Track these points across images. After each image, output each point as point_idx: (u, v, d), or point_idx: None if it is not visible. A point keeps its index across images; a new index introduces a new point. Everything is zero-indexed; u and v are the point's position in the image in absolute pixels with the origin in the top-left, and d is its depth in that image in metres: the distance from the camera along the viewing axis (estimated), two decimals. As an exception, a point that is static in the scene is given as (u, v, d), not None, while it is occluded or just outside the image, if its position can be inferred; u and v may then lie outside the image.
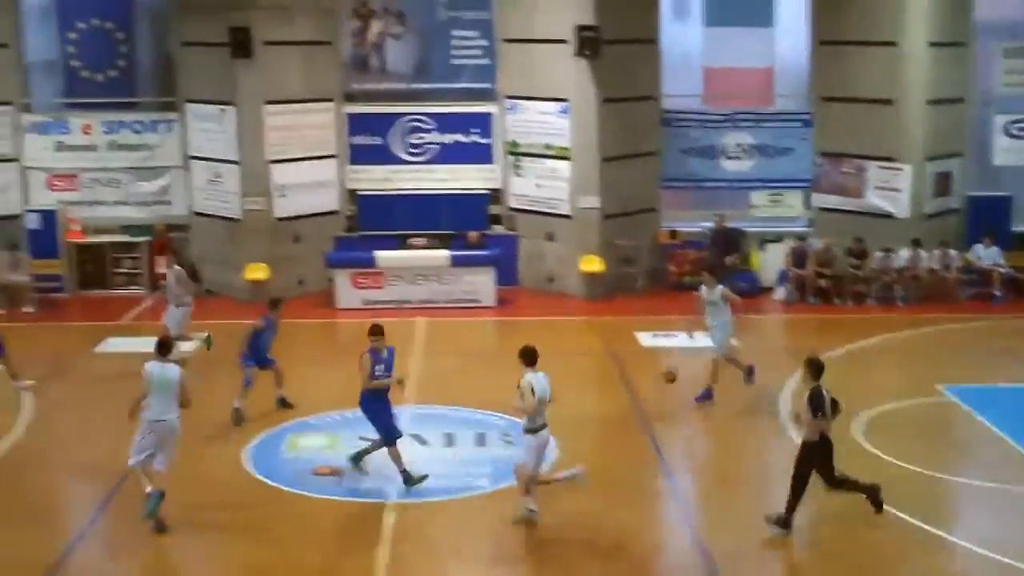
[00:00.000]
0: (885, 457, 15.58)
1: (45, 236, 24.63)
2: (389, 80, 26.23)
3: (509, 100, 25.31)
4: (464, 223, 25.05)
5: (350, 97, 25.88)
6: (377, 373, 14.79)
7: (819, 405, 13.14)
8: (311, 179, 25.12)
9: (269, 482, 15.05)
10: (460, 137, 25.82)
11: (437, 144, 25.79)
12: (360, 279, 23.79)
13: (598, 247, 24.44)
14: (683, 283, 24.71)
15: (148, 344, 19.83)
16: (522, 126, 25.15)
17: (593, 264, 24.25)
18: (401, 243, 24.59)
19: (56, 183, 25.55)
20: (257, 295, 23.63)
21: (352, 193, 25.70)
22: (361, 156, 25.74)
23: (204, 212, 25.22)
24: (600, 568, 12.88)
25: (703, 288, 17.95)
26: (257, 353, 17.36)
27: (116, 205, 25.69)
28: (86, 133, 25.64)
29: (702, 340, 18.28)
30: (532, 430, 13.60)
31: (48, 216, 24.75)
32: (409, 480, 14.76)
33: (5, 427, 17.02)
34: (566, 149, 24.54)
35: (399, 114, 25.81)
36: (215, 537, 13.82)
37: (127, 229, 25.44)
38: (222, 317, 22.48)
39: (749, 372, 17.95)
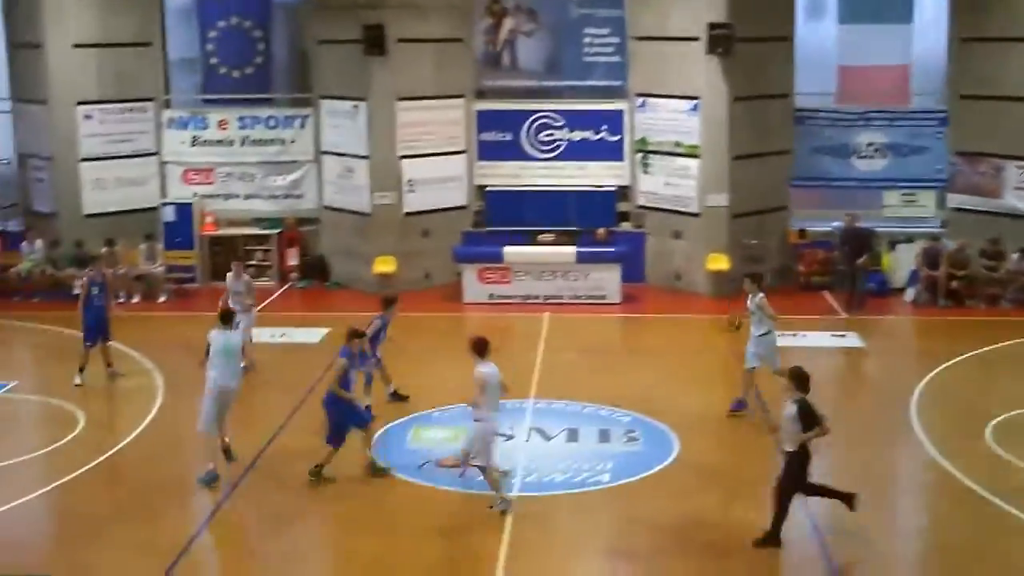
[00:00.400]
0: (1017, 463, 15.19)
1: (180, 228, 25.24)
2: (520, 77, 26.31)
3: (639, 97, 25.20)
4: (592, 220, 25.02)
5: (481, 94, 26.02)
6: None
7: (811, 419, 12.87)
8: (440, 175, 25.32)
9: (394, 473, 15.20)
10: (589, 134, 25.78)
11: (566, 141, 25.80)
12: (487, 274, 23.91)
13: (726, 245, 24.22)
14: (811, 283, 24.39)
15: (275, 334, 20.40)
16: (652, 124, 25.02)
17: (720, 262, 24.03)
18: (528, 239, 24.64)
19: (192, 177, 26.16)
20: (385, 288, 23.89)
21: (480, 189, 25.84)
22: (490, 152, 25.87)
23: (334, 206, 25.58)
24: (719, 567, 12.77)
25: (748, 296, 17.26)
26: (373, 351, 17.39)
27: (249, 199, 26.21)
28: (222, 128, 26.21)
29: (832, 339, 17.95)
30: (481, 420, 13.81)
31: (184, 209, 25.36)
32: (375, 469, 14.91)
33: (141, 413, 17.45)
34: (695, 147, 24.35)
35: (529, 111, 25.86)
36: (339, 526, 14.03)
37: (258, 222, 25.93)
38: (349, 309, 22.80)
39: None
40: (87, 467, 15.48)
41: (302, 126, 25.91)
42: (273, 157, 26.02)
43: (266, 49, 26.96)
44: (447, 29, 25.12)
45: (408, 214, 24.88)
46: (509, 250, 23.95)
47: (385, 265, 24.31)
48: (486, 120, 25.83)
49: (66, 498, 14.78)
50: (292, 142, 25.97)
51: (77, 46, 25.07)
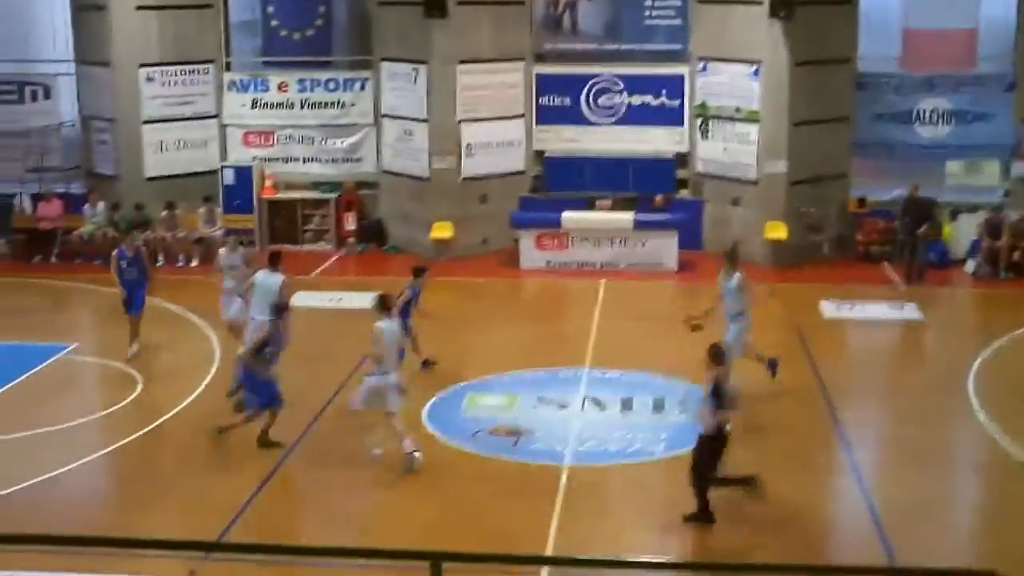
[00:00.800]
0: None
1: (240, 191, 25.38)
2: (580, 41, 26.14)
3: (700, 61, 24.98)
4: (650, 186, 24.88)
5: (540, 57, 25.90)
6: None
7: (722, 397, 12.66)
8: (499, 139, 25.27)
9: (446, 440, 15.28)
10: (649, 99, 25.60)
11: (626, 105, 25.64)
12: (544, 240, 23.88)
13: (784, 214, 24.01)
14: (870, 253, 24.14)
15: (334, 299, 20.51)
16: (712, 88, 24.80)
17: (778, 231, 23.83)
18: (586, 205, 24.55)
19: (252, 139, 26.30)
20: (442, 253, 24.00)
21: (539, 154, 25.78)
22: (549, 117, 25.76)
23: (393, 170, 25.63)
24: (774, 542, 12.72)
25: (719, 274, 16.96)
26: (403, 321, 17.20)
27: (308, 162, 26.31)
28: (282, 91, 26.29)
29: (890, 311, 17.71)
30: (381, 374, 14.30)
31: (243, 172, 25.49)
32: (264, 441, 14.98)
33: (199, 375, 17.63)
34: (755, 112, 24.13)
35: (589, 75, 25.72)
36: (392, 492, 14.07)
37: (317, 185, 26.04)
38: (406, 275, 22.84)
39: (772, 366, 16.89)
40: (145, 429, 15.70)
41: (362, 89, 25.94)
42: (332, 120, 26.08)
43: (326, 11, 26.96)
44: (508, -9, 25.05)
45: (466, 179, 24.87)
46: (567, 216, 23.89)
47: (442, 230, 24.35)
48: (545, 84, 25.71)
49: (124, 460, 15.05)
50: (352, 105, 26.02)
51: (140, 8, 25.23)
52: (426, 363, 17.71)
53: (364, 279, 22.54)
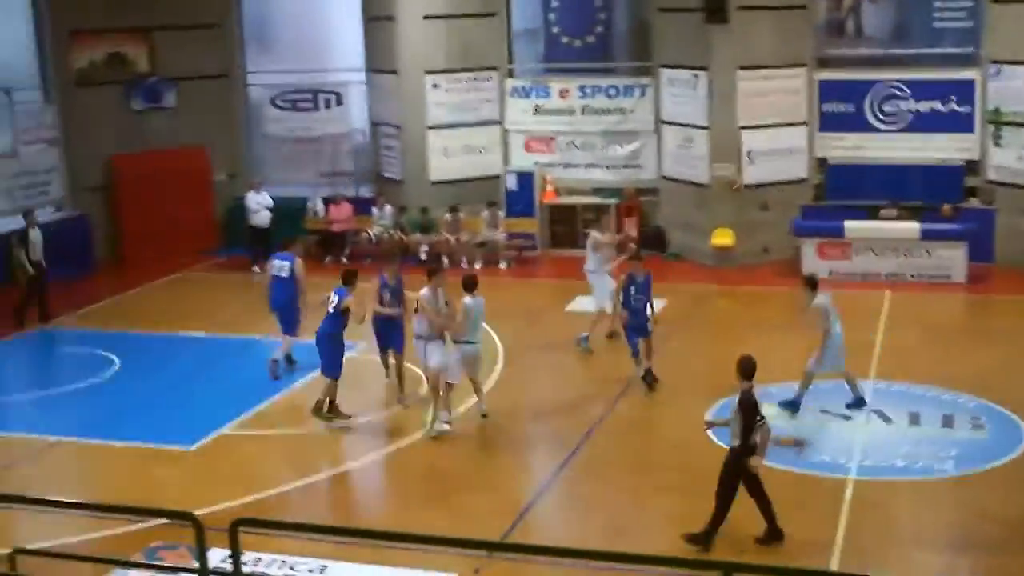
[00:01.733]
0: None
1: (522, 196, 25.83)
2: (864, 45, 25.53)
3: (994, 65, 23.99)
4: (937, 195, 24.03)
5: (823, 63, 25.40)
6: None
7: (752, 411, 12.23)
8: (780, 146, 24.90)
9: (726, 446, 15.13)
10: (937, 105, 24.75)
11: (912, 112, 24.88)
12: (827, 249, 23.40)
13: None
14: None
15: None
16: (1007, 93, 23.74)
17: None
18: (869, 213, 23.95)
19: (534, 145, 26.71)
20: (723, 261, 23.83)
21: (820, 161, 25.28)
22: (832, 123, 25.22)
23: (673, 177, 25.59)
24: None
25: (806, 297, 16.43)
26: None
27: (588, 168, 26.55)
28: (563, 97, 26.62)
29: None
30: (461, 343, 15.79)
31: (525, 177, 25.93)
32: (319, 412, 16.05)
33: (483, 377, 17.93)
34: (1054, 119, 23.05)
35: (874, 80, 25.07)
36: (668, 498, 14.05)
37: (597, 191, 26.22)
38: (687, 281, 22.86)
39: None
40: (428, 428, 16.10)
41: (642, 96, 26.01)
42: (613, 127, 26.24)
43: (607, 18, 27.17)
44: (789, -4, 24.66)
45: (747, 186, 24.60)
46: (850, 225, 23.34)
47: (723, 237, 24.17)
48: (829, 90, 25.18)
49: (409, 457, 15.44)
50: (632, 112, 26.11)
51: (427, 18, 25.99)
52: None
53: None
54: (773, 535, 12.64)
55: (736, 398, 12.56)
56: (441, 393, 15.86)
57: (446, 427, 15.76)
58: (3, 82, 22.76)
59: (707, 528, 12.53)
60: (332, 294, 16.46)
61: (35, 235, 22.05)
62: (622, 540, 12.79)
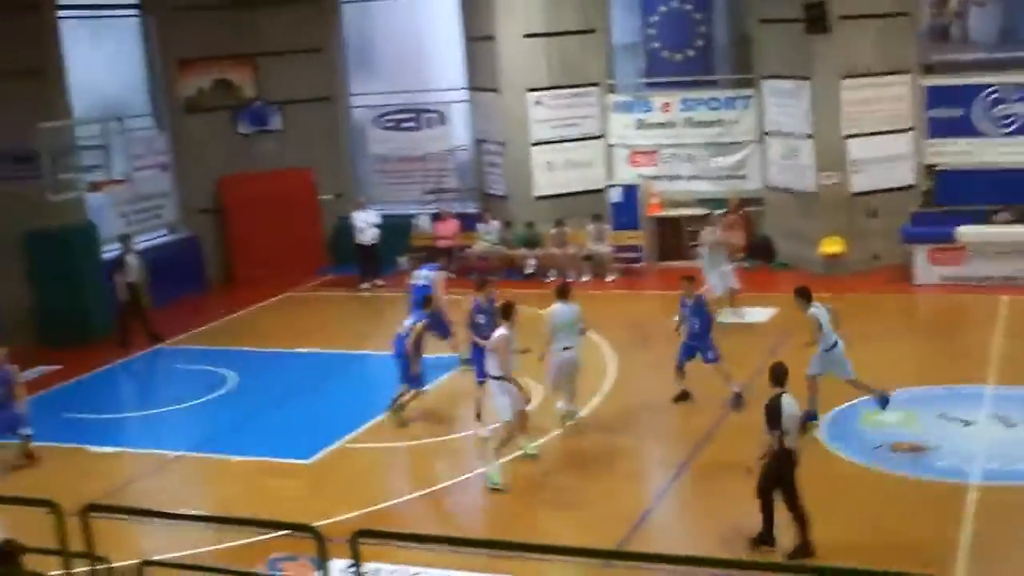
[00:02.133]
0: None
1: (626, 209, 25.81)
2: (971, 50, 25.10)
3: (1108, 66, 23.51)
4: (1045, 199, 23.60)
5: (928, 69, 25.07)
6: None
7: (774, 418, 12.14)
8: (886, 153, 24.59)
9: (846, 456, 14.99)
10: (1048, 107, 24.32)
11: (1023, 116, 24.44)
12: (938, 255, 23.05)
13: None
14: None
15: (721, 314, 20.49)
16: (1119, 93, 23.31)
17: None
18: (982, 218, 23.54)
19: (637, 159, 26.72)
20: (833, 269, 23.61)
21: (929, 167, 24.92)
22: (940, 129, 24.84)
23: (778, 186, 25.42)
24: None
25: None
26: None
27: (692, 179, 26.47)
28: (665, 111, 26.60)
29: None
30: (560, 350, 16.11)
31: (629, 190, 25.93)
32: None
33: (592, 388, 17.99)
34: None
35: (982, 85, 24.65)
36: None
37: (702, 202, 26.13)
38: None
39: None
40: (544, 439, 16.14)
41: (745, 107, 25.89)
42: (716, 138, 26.15)
43: (707, 32, 27.09)
44: (891, 3, 24.29)
45: (854, 194, 24.35)
46: (963, 230, 22.95)
47: (831, 246, 23.92)
48: (936, 96, 24.81)
49: (526, 465, 15.48)
50: (735, 123, 26.00)
51: (527, 36, 26.13)
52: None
53: (752, 295, 22.42)
54: (764, 540, 12.66)
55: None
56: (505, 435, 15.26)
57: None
58: (117, 110, 23.31)
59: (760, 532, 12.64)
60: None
61: (131, 259, 22.56)
62: (740, 547, 12.70)
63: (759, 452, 12.61)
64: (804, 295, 16.08)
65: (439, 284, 19.45)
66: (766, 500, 12.61)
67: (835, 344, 15.92)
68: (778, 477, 12.47)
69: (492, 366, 15.11)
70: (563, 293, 16.52)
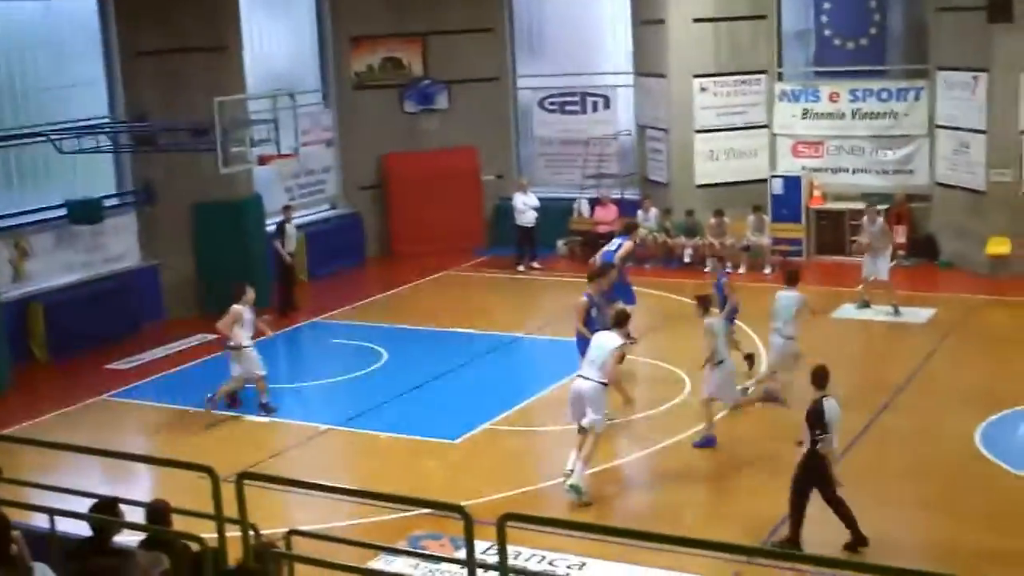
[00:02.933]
0: None
1: (788, 201, 25.42)
2: None
3: None
4: None
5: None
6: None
7: (817, 421, 12.11)
8: (1065, 150, 23.75)
9: (1006, 465, 14.54)
10: None
11: None
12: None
13: None
14: None
15: (881, 312, 20.17)
16: None
17: None
18: None
19: (801, 149, 26.27)
20: (999, 270, 22.92)
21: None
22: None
23: (946, 183, 24.73)
24: None
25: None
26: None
27: (857, 173, 25.93)
28: (832, 101, 26.08)
29: None
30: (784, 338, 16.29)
31: (792, 181, 25.52)
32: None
33: (744, 382, 17.81)
34: None
35: None
36: (931, 512, 13.68)
37: (866, 197, 25.58)
38: (958, 290, 22.09)
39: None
40: (689, 432, 16.02)
41: (916, 99, 25.24)
42: (884, 131, 25.55)
43: (881, 19, 26.45)
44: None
45: (1027, 193, 23.59)
46: None
47: (999, 246, 23.20)
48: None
49: (669, 458, 15.43)
50: (905, 115, 25.37)
51: (696, 20, 25.88)
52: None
53: (914, 293, 21.93)
54: (858, 541, 12.47)
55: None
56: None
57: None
58: (287, 86, 23.84)
59: (789, 536, 12.52)
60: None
61: (290, 229, 23.35)
62: (882, 551, 12.46)
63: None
64: (702, 302, 15.91)
65: (621, 252, 19.28)
66: (798, 500, 12.56)
67: (721, 362, 15.49)
68: (809, 479, 12.47)
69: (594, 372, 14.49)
70: (792, 279, 16.77)
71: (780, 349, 16.51)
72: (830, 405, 12.37)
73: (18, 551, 9.38)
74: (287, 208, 23.74)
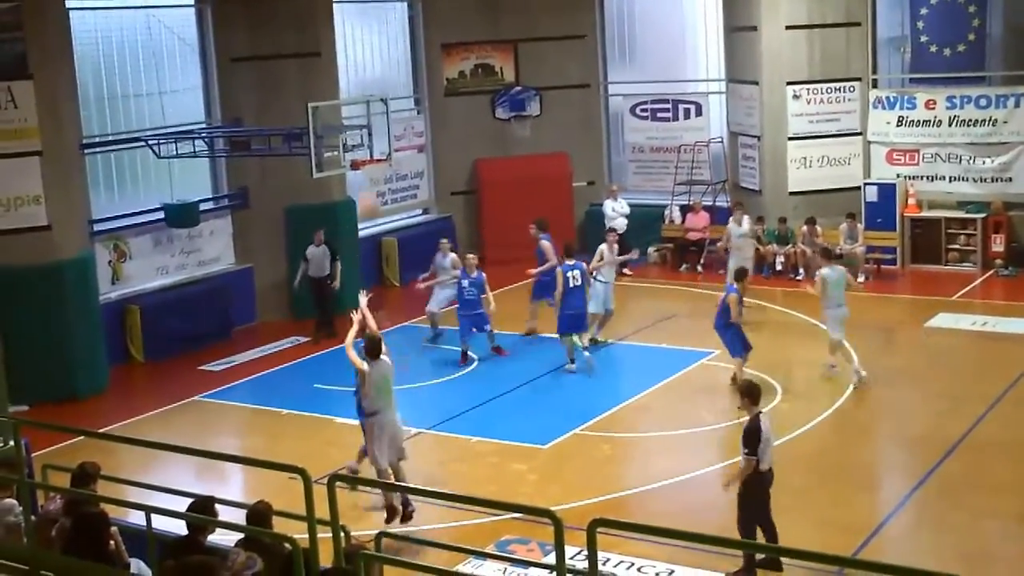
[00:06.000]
0: None
1: (882, 208, 25.11)
2: None
3: None
4: None
5: None
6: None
7: (753, 441, 11.79)
8: None
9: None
10: None
11: None
12: None
13: None
14: None
15: (977, 322, 19.87)
16: None
17: None
18: None
19: (896, 157, 25.94)
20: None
21: None
22: None
23: (1048, 191, 24.32)
24: None
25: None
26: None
27: (953, 181, 25.53)
28: (929, 108, 25.70)
29: None
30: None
31: (886, 189, 25.21)
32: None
33: (837, 392, 17.65)
34: None
35: None
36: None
37: (962, 205, 25.20)
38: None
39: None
40: (783, 439, 15.86)
41: (1016, 106, 24.80)
42: (982, 138, 25.12)
43: (980, 25, 26.01)
44: None
45: None
46: None
47: (1098, 256, 22.80)
48: None
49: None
50: (1004, 122, 24.93)
51: (789, 27, 25.68)
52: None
53: (1011, 304, 21.56)
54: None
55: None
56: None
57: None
58: (380, 91, 24.05)
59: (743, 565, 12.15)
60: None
61: (317, 252, 22.20)
62: (982, 566, 12.28)
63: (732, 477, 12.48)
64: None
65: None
66: (753, 527, 12.18)
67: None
68: (762, 500, 12.19)
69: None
70: (827, 255, 18.91)
71: (839, 318, 18.07)
72: (766, 423, 12.18)
73: (116, 547, 9.57)
74: (316, 233, 22.46)
